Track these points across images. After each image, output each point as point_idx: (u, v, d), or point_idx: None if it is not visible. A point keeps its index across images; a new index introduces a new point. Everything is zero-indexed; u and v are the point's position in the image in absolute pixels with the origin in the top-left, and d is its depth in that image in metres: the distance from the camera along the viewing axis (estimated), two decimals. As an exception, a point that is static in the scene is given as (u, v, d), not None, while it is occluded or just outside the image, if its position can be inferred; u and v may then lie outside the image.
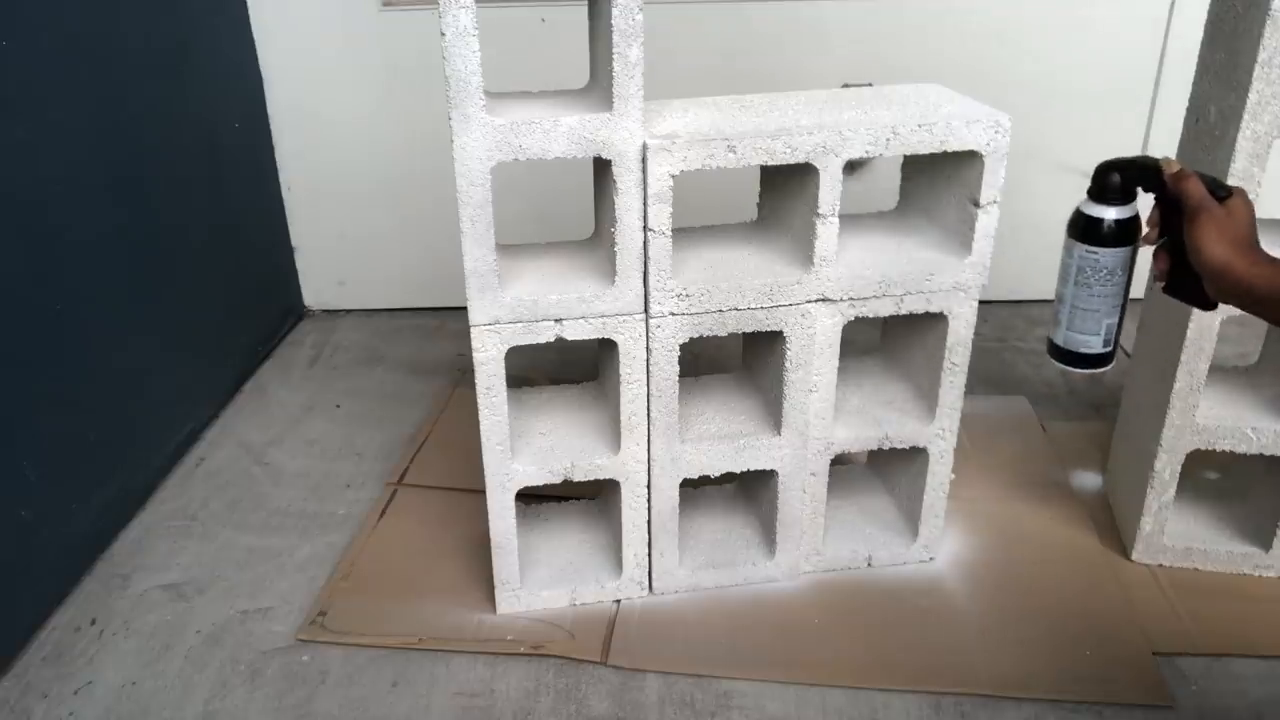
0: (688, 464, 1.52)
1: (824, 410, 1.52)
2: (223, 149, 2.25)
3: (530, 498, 1.64)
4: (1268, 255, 0.98)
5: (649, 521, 1.55)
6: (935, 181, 1.52)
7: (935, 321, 1.50)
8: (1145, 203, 1.05)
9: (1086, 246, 1.04)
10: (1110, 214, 1.03)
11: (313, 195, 2.54)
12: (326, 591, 1.63)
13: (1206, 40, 1.50)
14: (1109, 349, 1.08)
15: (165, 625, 1.58)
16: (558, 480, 1.50)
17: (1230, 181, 1.39)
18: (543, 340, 1.40)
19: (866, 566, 1.66)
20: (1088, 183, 1.06)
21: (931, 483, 1.60)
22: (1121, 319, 1.08)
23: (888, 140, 1.35)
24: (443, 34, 1.20)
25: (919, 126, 1.35)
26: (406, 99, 2.39)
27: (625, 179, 1.32)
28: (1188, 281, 1.02)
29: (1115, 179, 1.03)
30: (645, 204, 1.34)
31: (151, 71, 1.95)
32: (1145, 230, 1.04)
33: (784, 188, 1.48)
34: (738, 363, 1.71)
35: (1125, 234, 1.04)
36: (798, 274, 1.42)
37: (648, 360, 1.43)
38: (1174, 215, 1.02)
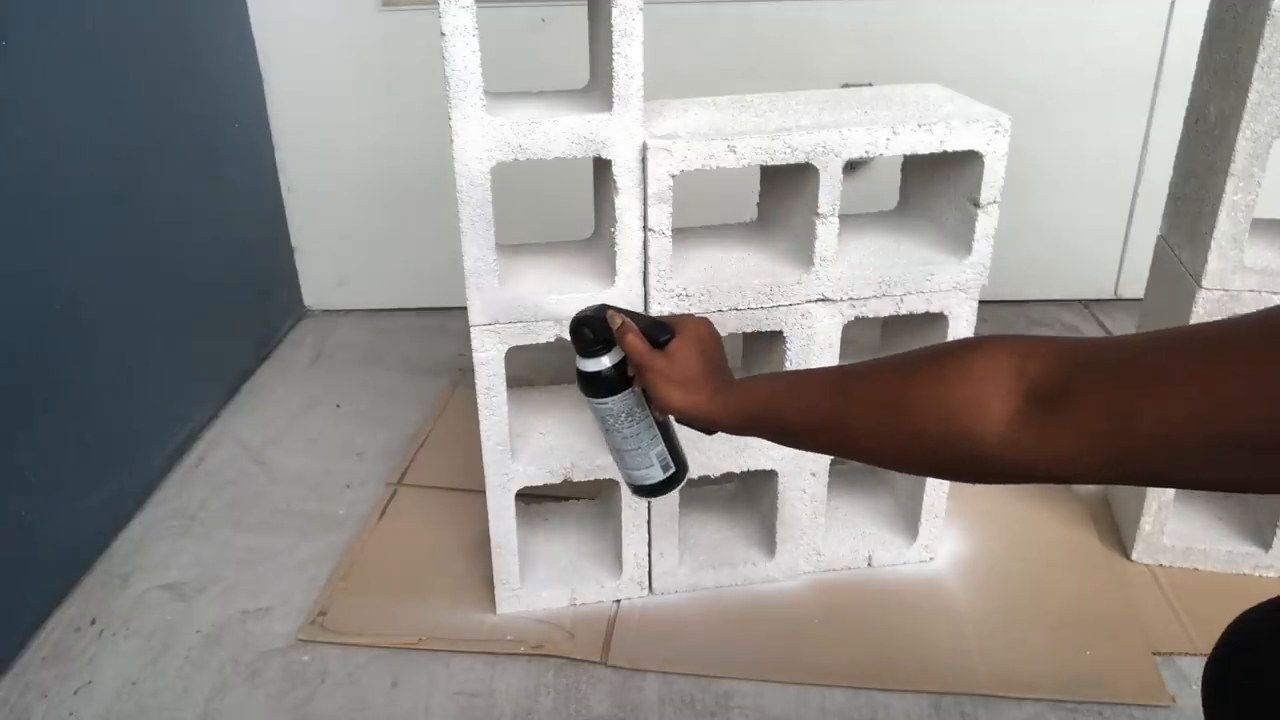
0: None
1: (824, 410, 1.52)
2: (223, 149, 2.25)
3: (530, 498, 1.64)
4: (728, 382, 0.95)
5: (649, 521, 1.55)
6: (935, 181, 1.52)
7: (935, 321, 1.50)
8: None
9: (595, 399, 1.04)
10: (602, 364, 1.02)
11: (313, 195, 2.54)
12: (326, 591, 1.63)
13: (1206, 40, 1.50)
14: (672, 470, 1.08)
15: (165, 625, 1.58)
16: (558, 480, 1.50)
17: (1229, 182, 1.39)
18: (543, 340, 1.40)
19: (866, 566, 1.66)
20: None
21: (931, 482, 1.60)
22: (670, 440, 1.08)
23: (888, 140, 1.35)
24: (443, 34, 1.20)
25: (919, 126, 1.35)
26: (406, 99, 2.39)
27: (625, 179, 1.32)
28: None
29: (587, 333, 1.03)
30: (645, 204, 1.34)
31: (151, 71, 1.95)
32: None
33: (784, 188, 1.48)
34: (738, 363, 1.71)
35: (624, 377, 1.03)
36: (798, 274, 1.42)
37: (648, 360, 1.43)
38: None
